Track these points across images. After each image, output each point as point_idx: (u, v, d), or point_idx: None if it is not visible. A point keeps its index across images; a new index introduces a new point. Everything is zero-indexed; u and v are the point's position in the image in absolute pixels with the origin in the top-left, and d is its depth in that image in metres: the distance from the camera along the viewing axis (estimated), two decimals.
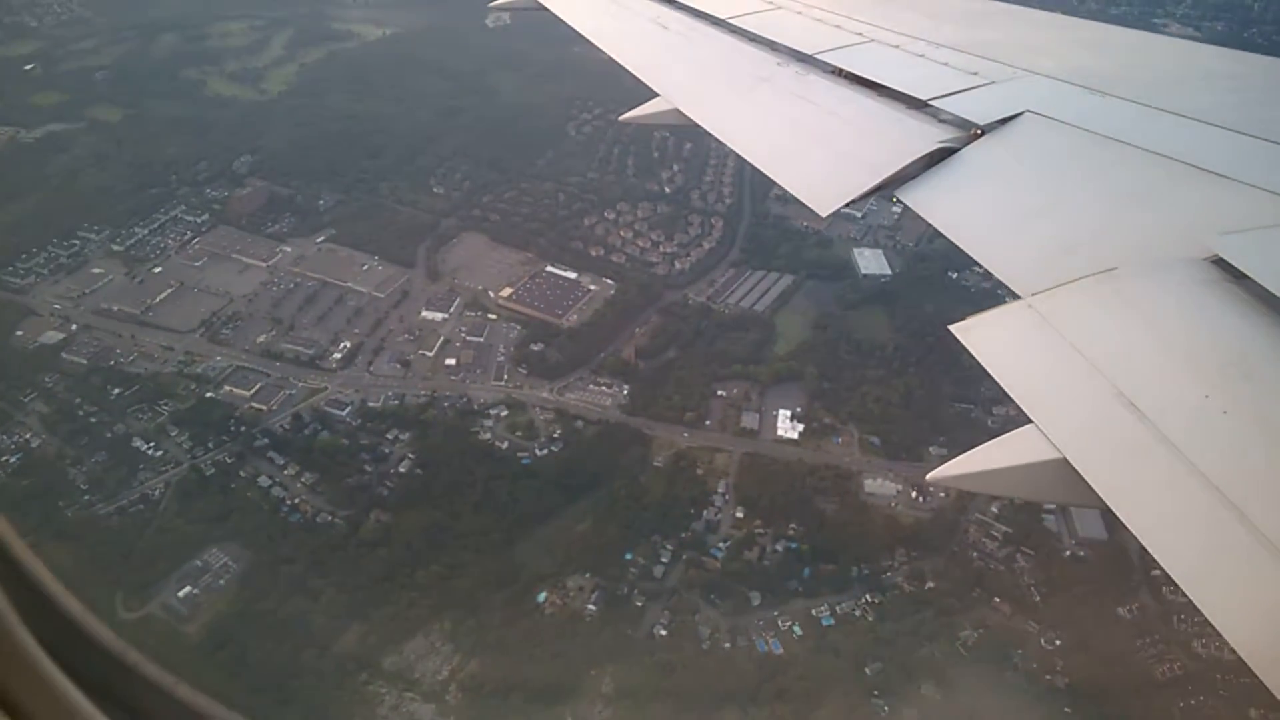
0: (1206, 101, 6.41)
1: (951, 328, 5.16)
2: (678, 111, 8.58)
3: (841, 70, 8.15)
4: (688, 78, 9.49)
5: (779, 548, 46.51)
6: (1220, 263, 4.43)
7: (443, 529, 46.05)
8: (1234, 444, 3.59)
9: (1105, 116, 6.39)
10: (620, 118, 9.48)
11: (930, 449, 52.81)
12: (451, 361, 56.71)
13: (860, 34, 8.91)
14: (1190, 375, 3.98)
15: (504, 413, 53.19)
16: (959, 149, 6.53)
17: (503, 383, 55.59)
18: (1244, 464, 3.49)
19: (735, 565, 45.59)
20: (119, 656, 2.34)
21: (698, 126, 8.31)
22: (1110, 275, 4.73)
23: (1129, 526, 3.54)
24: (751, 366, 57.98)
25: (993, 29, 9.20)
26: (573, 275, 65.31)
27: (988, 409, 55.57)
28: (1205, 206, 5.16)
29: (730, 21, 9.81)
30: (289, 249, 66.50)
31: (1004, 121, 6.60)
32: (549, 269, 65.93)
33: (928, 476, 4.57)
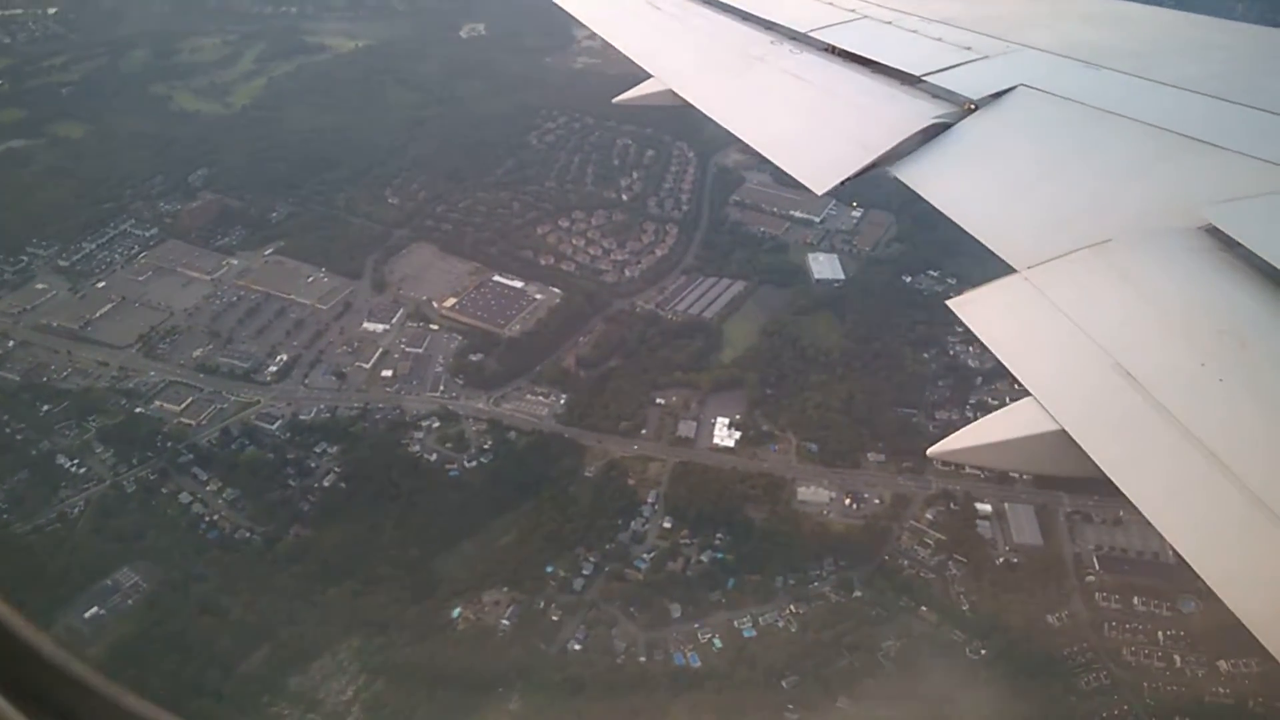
0: (1198, 71, 6.42)
1: (949, 303, 5.15)
2: (671, 92, 8.56)
3: (834, 48, 8.11)
4: (681, 58, 9.44)
5: (704, 558, 45.66)
6: (1213, 231, 4.44)
7: (362, 544, 45.46)
8: (1231, 411, 3.61)
9: (1098, 89, 6.42)
10: (614, 100, 9.66)
11: (868, 455, 52.04)
12: (388, 373, 56.22)
13: (853, 10, 8.86)
14: (1186, 344, 3.99)
15: (436, 424, 52.61)
16: (953, 124, 6.52)
17: (438, 394, 55.04)
18: (1241, 430, 3.50)
19: (658, 577, 44.78)
20: (57, 665, 2.25)
21: (691, 107, 8.34)
22: (1105, 246, 4.73)
23: (1129, 496, 3.52)
24: (693, 374, 57.18)
25: (985, 3, 9.22)
26: (519, 284, 64.77)
27: (930, 414, 54.91)
28: (1198, 176, 5.18)
29: (723, 1, 9.76)
30: (235, 262, 66.25)
31: (997, 96, 6.60)
32: (496, 278, 65.41)
33: (929, 451, 4.59)
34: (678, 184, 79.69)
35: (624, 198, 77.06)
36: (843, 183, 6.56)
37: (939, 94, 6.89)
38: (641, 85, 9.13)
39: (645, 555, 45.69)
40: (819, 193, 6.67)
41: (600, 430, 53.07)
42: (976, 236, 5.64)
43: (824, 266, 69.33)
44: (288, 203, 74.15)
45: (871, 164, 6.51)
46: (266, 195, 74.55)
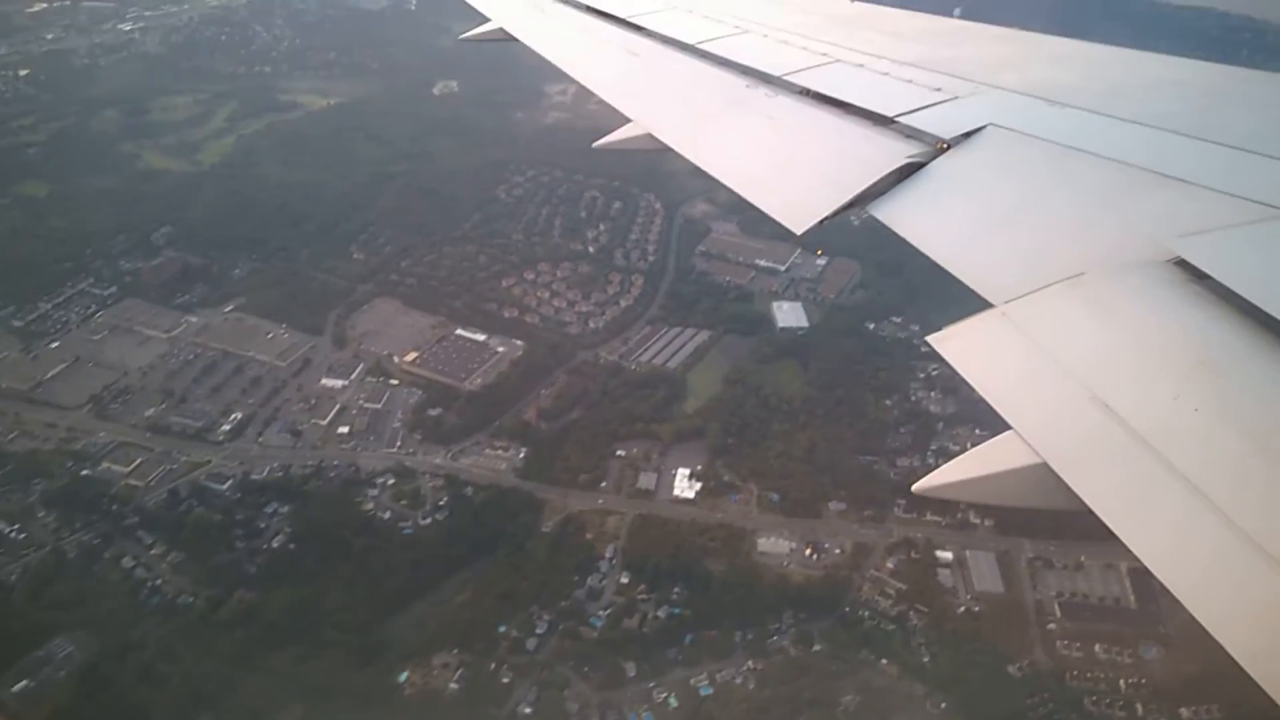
0: (1161, 109, 6.62)
1: (929, 338, 5.13)
2: (650, 136, 8.59)
3: (809, 90, 8.29)
4: (658, 102, 9.56)
5: (661, 614, 44.67)
6: (1182, 264, 4.56)
7: (310, 606, 44.26)
8: (1206, 440, 3.66)
9: (1065, 127, 6.57)
10: (594, 144, 9.46)
11: (830, 504, 51.40)
12: (344, 429, 55.45)
13: (825, 54, 9.09)
14: (1161, 375, 4.06)
15: (391, 481, 51.74)
16: (926, 163, 6.64)
17: (395, 450, 54.25)
18: (1216, 459, 3.58)
19: (614, 634, 43.72)
20: None
21: (670, 150, 8.35)
22: (1078, 280, 4.85)
23: (1110, 527, 3.50)
24: (655, 425, 56.66)
25: (953, 46, 9.42)
26: (481, 337, 64.40)
27: (892, 461, 54.41)
28: (1165, 210, 5.30)
29: (699, 46, 9.92)
30: (194, 319, 65.76)
31: (968, 135, 6.76)
32: (458, 332, 65.07)
33: (913, 487, 4.48)
34: (644, 235, 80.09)
35: (590, 249, 77.27)
36: (820, 222, 6.58)
37: (912, 134, 7.01)
38: (620, 130, 9.06)
39: (601, 612, 44.65)
40: (797, 233, 6.60)
41: (560, 484, 52.31)
42: (952, 272, 5.55)
43: (788, 315, 69.35)
44: (251, 259, 73.89)
45: (848, 203, 6.54)
46: (229, 252, 74.35)
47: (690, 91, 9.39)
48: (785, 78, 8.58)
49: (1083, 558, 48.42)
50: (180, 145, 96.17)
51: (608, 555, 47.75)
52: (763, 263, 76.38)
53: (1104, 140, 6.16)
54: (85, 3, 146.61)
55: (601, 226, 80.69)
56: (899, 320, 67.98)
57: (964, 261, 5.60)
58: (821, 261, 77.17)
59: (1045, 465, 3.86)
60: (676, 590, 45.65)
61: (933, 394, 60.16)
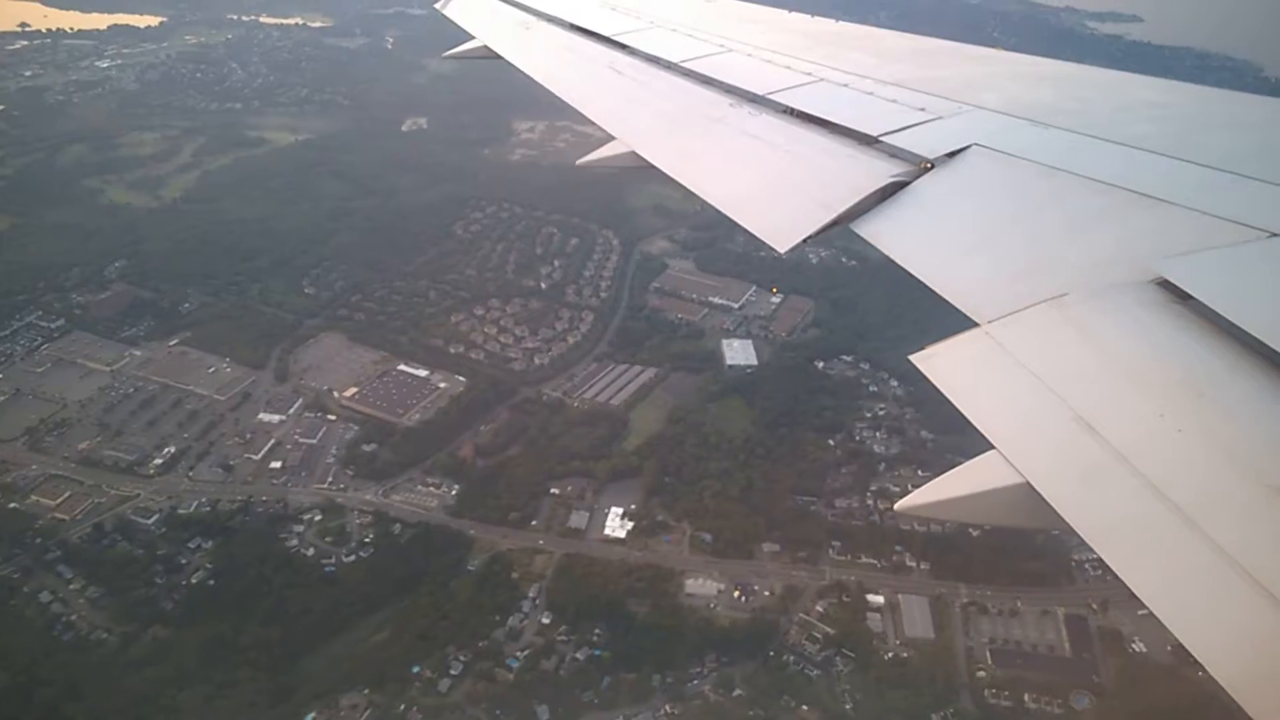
0: (1144, 130, 6.70)
1: (911, 357, 5.05)
2: (634, 154, 8.62)
3: (793, 109, 8.35)
4: (642, 120, 9.56)
5: (580, 655, 43.87)
6: (1165, 285, 4.59)
7: (223, 644, 43.39)
8: (1190, 461, 3.69)
9: (1048, 147, 6.63)
10: (577, 162, 9.50)
11: (763, 545, 50.85)
12: (277, 464, 54.87)
13: (809, 74, 9.17)
14: (1145, 396, 4.08)
15: (318, 517, 51.10)
16: (910, 182, 6.69)
17: (326, 485, 53.65)
18: (1200, 480, 3.59)
19: (529, 676, 42.87)
20: None
21: (653, 168, 8.34)
22: (1062, 300, 4.86)
23: (1093, 547, 3.51)
24: (592, 463, 56.20)
25: (937, 66, 9.55)
26: (423, 373, 64.10)
27: (830, 502, 54.00)
28: (1148, 231, 5.32)
29: (683, 65, 10.01)
30: (139, 353, 65.39)
31: (952, 155, 6.80)
32: (401, 367, 64.79)
33: (895, 506, 4.57)
34: (599, 271, 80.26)
35: (543, 285, 77.35)
36: (804, 240, 6.60)
37: (896, 153, 7.07)
38: (604, 148, 9.08)
39: (519, 653, 43.84)
40: (781, 251, 6.67)
41: (490, 521, 51.72)
42: (936, 289, 5.57)
43: (737, 353, 69.29)
44: (202, 293, 73.73)
45: (832, 222, 6.57)
46: (180, 286, 74.19)
47: (674, 110, 9.44)
48: (769, 96, 8.64)
49: (1019, 603, 47.93)
50: (144, 180, 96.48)
51: (531, 595, 47.05)
52: (717, 300, 76.53)
53: (1087, 160, 6.21)
54: (66, 40, 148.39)
55: (556, 263, 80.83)
56: (849, 359, 67.99)
57: (948, 279, 5.62)
58: (776, 299, 77.41)
59: (1027, 485, 3.87)
60: (597, 631, 44.89)
61: (878, 434, 59.96)
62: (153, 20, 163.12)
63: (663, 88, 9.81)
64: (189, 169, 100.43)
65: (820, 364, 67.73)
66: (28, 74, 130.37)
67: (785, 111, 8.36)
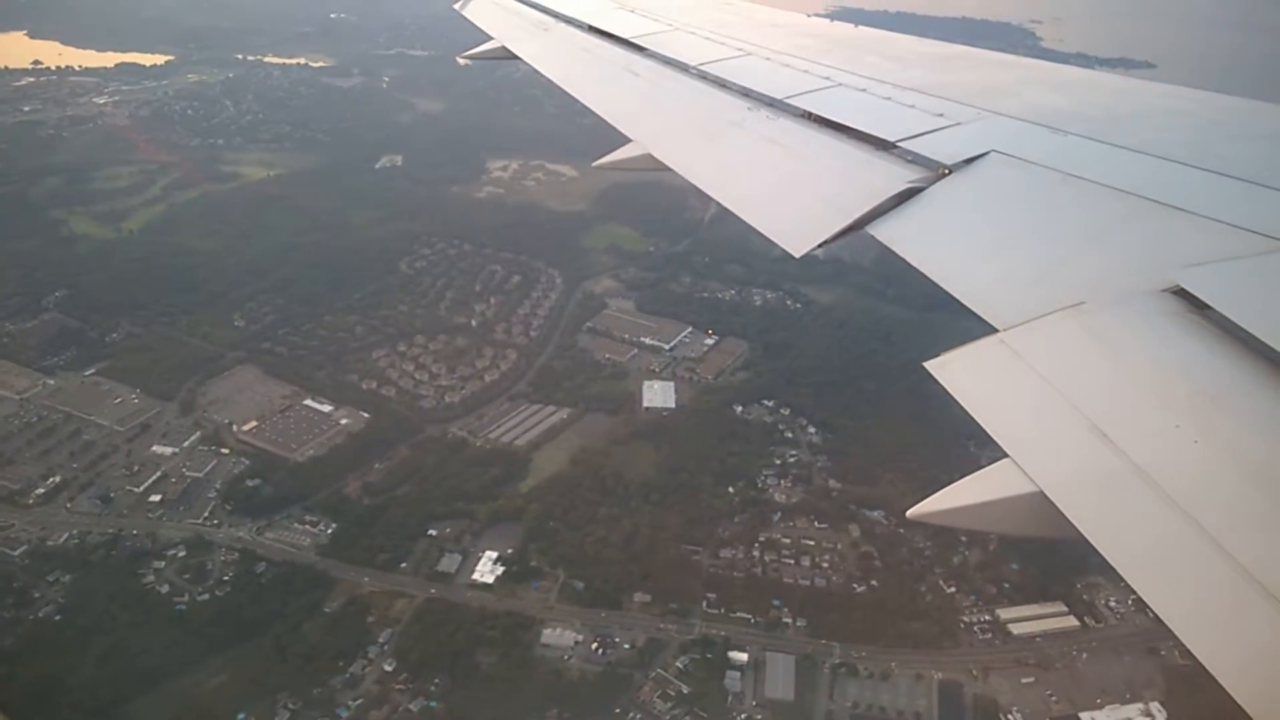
0: (1163, 138, 6.63)
1: (926, 364, 5.00)
2: (650, 156, 8.69)
3: (811, 114, 8.32)
4: (659, 123, 9.66)
5: (414, 707, 42.09)
6: (1183, 294, 4.58)
7: (55, 683, 42.25)
8: (1205, 473, 3.64)
9: (1067, 154, 6.57)
10: (594, 164, 9.62)
11: (635, 595, 48.89)
12: (157, 498, 54.18)
13: (828, 78, 9.15)
14: (1161, 406, 4.06)
15: (182, 553, 50.08)
16: (926, 188, 6.63)
17: (200, 520, 52.75)
18: (1216, 493, 3.55)
19: None
20: None
21: (669, 170, 8.41)
22: (1079, 309, 4.83)
23: (1106, 557, 3.46)
24: (478, 504, 54.75)
25: (956, 71, 9.48)
26: (327, 409, 63.33)
27: (714, 551, 51.98)
28: (1166, 240, 5.28)
29: (700, 68, 10.03)
30: (53, 381, 65.50)
31: (970, 161, 6.74)
32: (307, 402, 64.05)
33: (908, 513, 4.42)
34: (535, 310, 79.43)
35: (473, 323, 76.56)
36: (820, 245, 6.57)
37: (913, 159, 7.02)
38: (621, 149, 9.14)
39: (351, 703, 42.15)
40: (797, 255, 6.66)
41: (358, 563, 50.40)
42: (954, 294, 5.51)
43: (656, 395, 67.66)
44: (132, 323, 74.04)
45: (848, 227, 6.52)
46: (112, 316, 74.59)
47: (691, 113, 9.53)
48: (787, 100, 8.65)
49: (894, 665, 45.40)
50: (110, 212, 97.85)
51: (381, 640, 45.45)
52: (648, 340, 75.17)
53: (1106, 168, 6.17)
54: (72, 77, 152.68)
55: (492, 300, 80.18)
56: (770, 404, 66.04)
57: (964, 284, 5.57)
58: (710, 341, 75.81)
59: (1041, 494, 3.85)
60: (437, 681, 43.08)
61: (781, 482, 57.89)
62: (160, 59, 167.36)
63: (680, 91, 9.91)
64: (155, 202, 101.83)
65: (739, 408, 65.82)
66: (26, 109, 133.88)
67: (803, 116, 8.34)
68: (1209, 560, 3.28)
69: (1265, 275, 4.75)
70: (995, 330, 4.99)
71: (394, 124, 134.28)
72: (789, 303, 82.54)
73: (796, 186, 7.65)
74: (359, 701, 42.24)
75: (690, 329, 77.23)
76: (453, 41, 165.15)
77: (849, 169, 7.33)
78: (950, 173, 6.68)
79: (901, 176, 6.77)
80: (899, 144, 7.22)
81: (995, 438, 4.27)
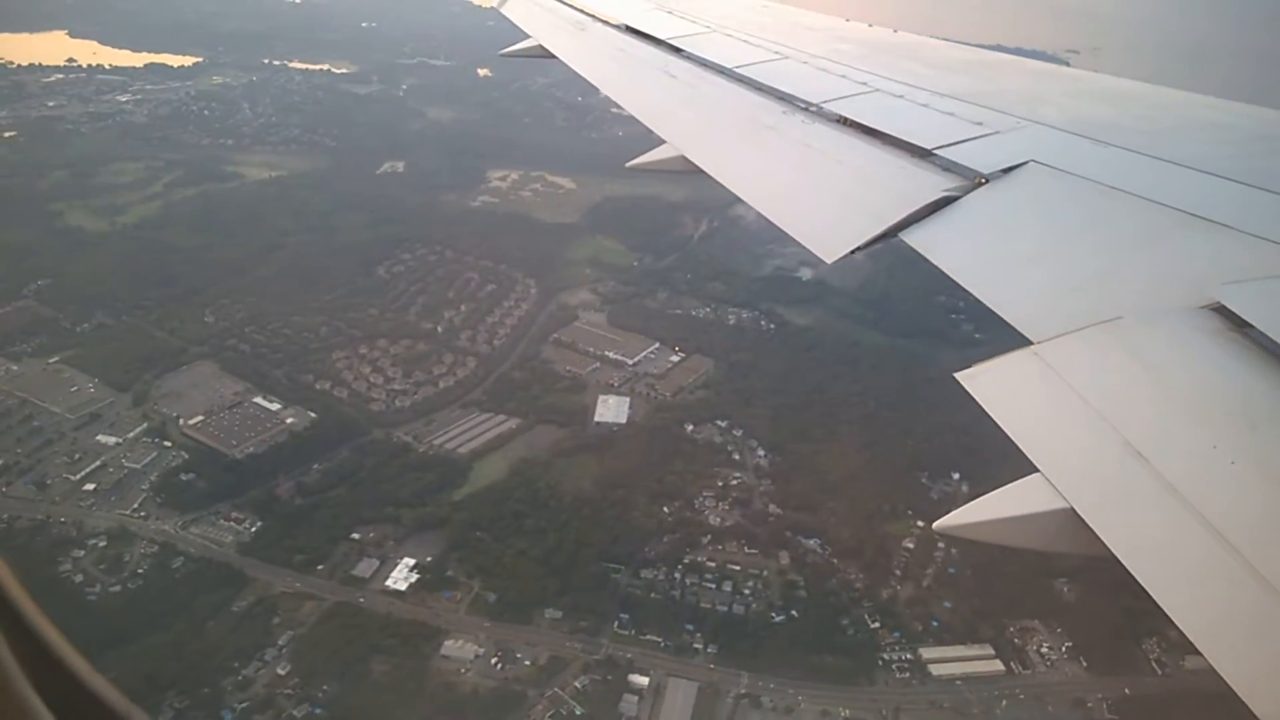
0: (1206, 151, 6.53)
1: (957, 375, 4.95)
2: (684, 158, 8.71)
3: (846, 119, 8.31)
4: (694, 125, 9.71)
5: (298, 713, 41.51)
6: (1223, 311, 4.50)
7: None
8: (1241, 495, 3.55)
9: (1108, 166, 6.51)
10: (627, 164, 9.68)
11: (546, 611, 47.99)
12: (91, 487, 54.49)
13: (865, 84, 9.12)
14: (1197, 425, 3.99)
15: (103, 543, 50.22)
16: (963, 197, 6.60)
17: (129, 511, 52.90)
18: (1252, 515, 3.48)
19: None
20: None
21: (703, 173, 8.42)
22: (1115, 324, 4.78)
23: (1136, 576, 3.39)
24: (406, 510, 54.29)
25: (995, 79, 9.45)
26: (275, 407, 63.45)
27: (636, 572, 50.93)
28: (1207, 255, 5.20)
29: (737, 71, 10.03)
30: (16, 368, 66.42)
31: (1008, 171, 6.70)
32: (257, 399, 64.22)
33: (935, 525, 4.40)
34: (504, 319, 79.14)
35: (439, 329, 76.39)
36: (852, 252, 6.48)
37: (950, 167, 6.95)
38: (655, 150, 9.20)
39: (236, 706, 41.71)
40: (829, 261, 6.54)
41: (276, 563, 50.18)
42: (988, 304, 5.49)
43: (609, 409, 66.87)
44: (105, 315, 75.01)
45: (881, 235, 6.47)
46: (87, 307, 75.60)
47: (726, 116, 9.50)
48: (823, 105, 8.61)
49: (801, 700, 43.97)
50: (108, 207, 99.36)
51: (281, 643, 45.01)
52: (613, 355, 74.40)
53: (1146, 181, 6.08)
54: (100, 75, 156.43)
55: (463, 307, 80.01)
56: (723, 424, 64.90)
57: (999, 295, 5.51)
58: (675, 358, 74.86)
59: (1071, 510, 3.79)
60: (325, 688, 42.49)
61: (720, 504, 56.71)
62: (188, 60, 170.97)
63: (715, 93, 9.86)
64: (154, 199, 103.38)
65: (690, 427, 64.77)
66: (51, 104, 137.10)
67: (838, 121, 8.27)
68: (1242, 582, 3.21)
69: None
70: (1029, 343, 4.88)
71: (403, 131, 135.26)
72: (763, 323, 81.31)
73: (830, 192, 7.59)
74: (245, 705, 41.78)
75: (657, 345, 76.33)
76: (476, 53, 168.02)
77: (884, 175, 7.25)
78: (987, 182, 6.59)
79: (938, 184, 6.68)
80: (936, 151, 7.13)
81: (1025, 451, 4.19)
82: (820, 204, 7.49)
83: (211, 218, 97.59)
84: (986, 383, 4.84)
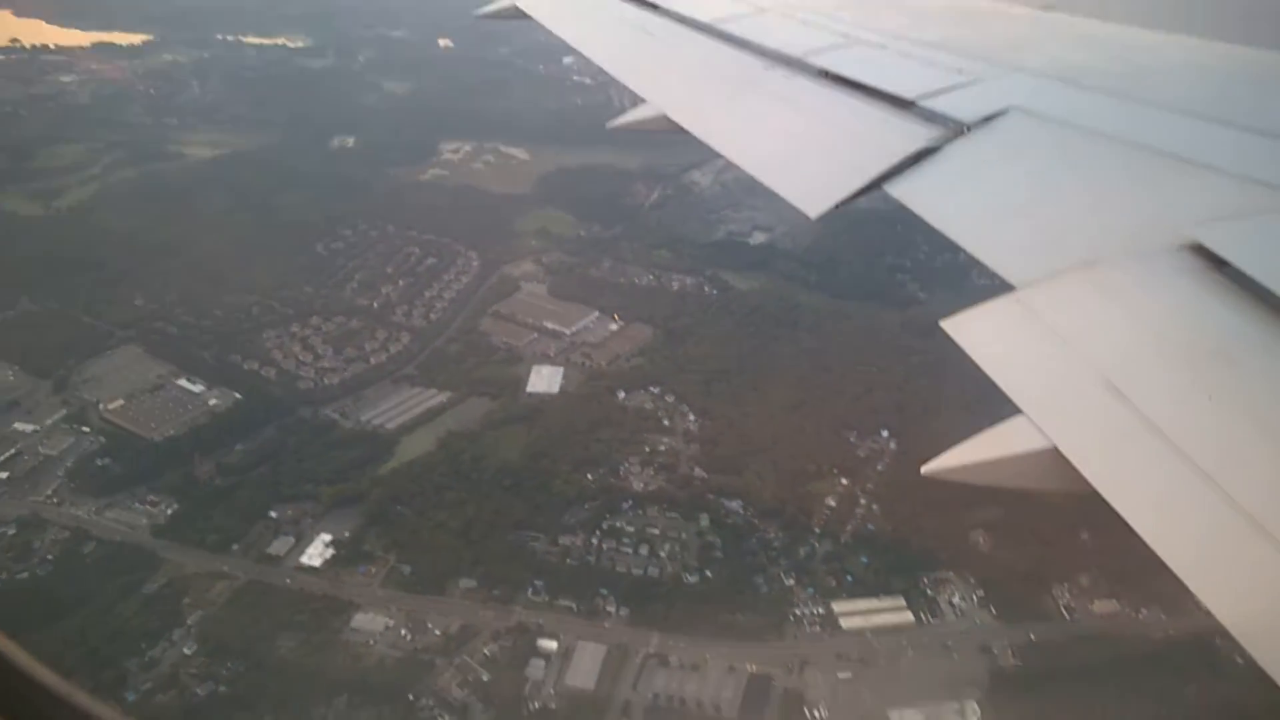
0: (1188, 93, 6.57)
1: (942, 323, 4.91)
2: (665, 117, 8.66)
3: (827, 72, 8.26)
4: (674, 83, 9.65)
5: (202, 691, 41.43)
6: (1201, 251, 4.57)
7: None
8: (1220, 429, 3.71)
9: (1088, 110, 6.58)
10: (608, 125, 9.55)
11: (461, 581, 47.91)
12: (4, 475, 54.00)
13: (845, 35, 9.09)
14: (1176, 363, 4.11)
15: (12, 531, 49.83)
16: (945, 147, 6.63)
17: (43, 498, 52.46)
18: (1230, 448, 3.61)
19: (144, 711, 40.54)
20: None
21: (685, 131, 8.35)
22: (1096, 266, 4.85)
23: (1119, 510, 3.52)
24: (325, 487, 53.95)
25: (976, 27, 9.39)
26: (198, 389, 62.87)
27: (554, 539, 50.78)
28: (1186, 196, 5.26)
29: (715, 26, 9.95)
30: None
31: (989, 119, 6.73)
32: (180, 382, 63.62)
33: (923, 469, 4.29)
34: (442, 293, 78.31)
35: (375, 305, 75.64)
36: (837, 205, 6.54)
37: (932, 118, 7.00)
38: (635, 110, 9.09)
39: (142, 686, 41.58)
40: (813, 216, 6.53)
41: (190, 544, 49.88)
42: (971, 253, 5.49)
43: (542, 380, 66.47)
44: (32, 300, 73.94)
45: (865, 187, 6.51)
46: (15, 293, 74.37)
47: (706, 72, 9.51)
48: (804, 59, 8.55)
49: (708, 657, 44.11)
50: (43, 191, 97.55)
51: (190, 622, 44.86)
52: (551, 325, 73.81)
53: (1128, 124, 6.12)
54: (45, 56, 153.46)
55: (400, 283, 79.17)
56: (656, 390, 64.60)
57: (981, 242, 5.54)
58: (614, 327, 74.39)
59: (1055, 450, 3.88)
60: (229, 665, 42.41)
61: (645, 470, 56.54)
62: (138, 39, 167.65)
63: (695, 50, 9.76)
64: (92, 181, 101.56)
65: (622, 395, 64.47)
66: None
67: (820, 74, 8.22)
68: (1221, 513, 3.28)
69: None
70: (1011, 289, 4.94)
71: (356, 105, 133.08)
72: (706, 289, 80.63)
73: (813, 146, 7.63)
74: (149, 686, 41.68)
75: (597, 314, 75.74)
76: (437, 23, 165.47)
77: (866, 128, 7.29)
78: (970, 130, 6.61)
79: (920, 135, 6.73)
80: (917, 102, 7.15)
81: (1009, 395, 4.24)
82: (803, 159, 7.56)
83: (149, 199, 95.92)
84: (970, 329, 4.87)
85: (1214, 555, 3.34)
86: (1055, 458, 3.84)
